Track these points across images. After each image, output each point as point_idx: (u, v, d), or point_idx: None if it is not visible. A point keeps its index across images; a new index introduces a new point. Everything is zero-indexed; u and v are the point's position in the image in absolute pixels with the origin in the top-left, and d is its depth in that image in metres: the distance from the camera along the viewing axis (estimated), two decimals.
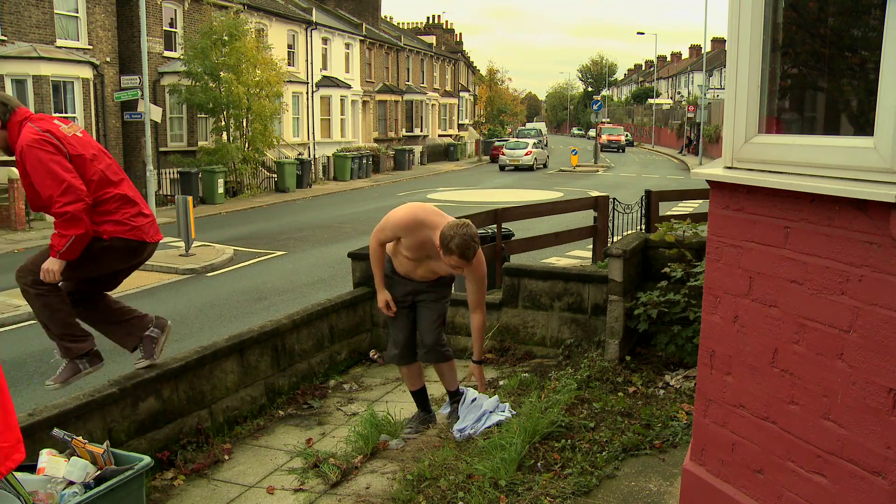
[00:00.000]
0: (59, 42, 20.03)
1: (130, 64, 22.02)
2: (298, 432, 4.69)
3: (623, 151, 52.67)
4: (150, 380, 4.17)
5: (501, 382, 5.23)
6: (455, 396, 4.57)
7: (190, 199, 13.34)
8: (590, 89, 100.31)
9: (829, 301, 2.18)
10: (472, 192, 25.20)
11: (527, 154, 35.21)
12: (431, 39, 50.83)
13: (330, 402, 5.27)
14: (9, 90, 18.52)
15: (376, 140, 38.25)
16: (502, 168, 35.48)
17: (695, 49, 74.10)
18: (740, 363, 2.55)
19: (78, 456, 3.04)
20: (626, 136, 58.10)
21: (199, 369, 4.54)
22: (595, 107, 49.06)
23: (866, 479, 2.08)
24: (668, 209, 14.25)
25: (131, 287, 11.54)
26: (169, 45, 24.12)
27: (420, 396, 4.65)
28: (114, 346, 8.19)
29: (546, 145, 54.58)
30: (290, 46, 30.91)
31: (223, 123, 23.82)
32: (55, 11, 19.91)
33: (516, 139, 42.18)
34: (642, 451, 3.84)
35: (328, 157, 31.37)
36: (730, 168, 2.52)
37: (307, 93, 31.76)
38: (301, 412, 5.05)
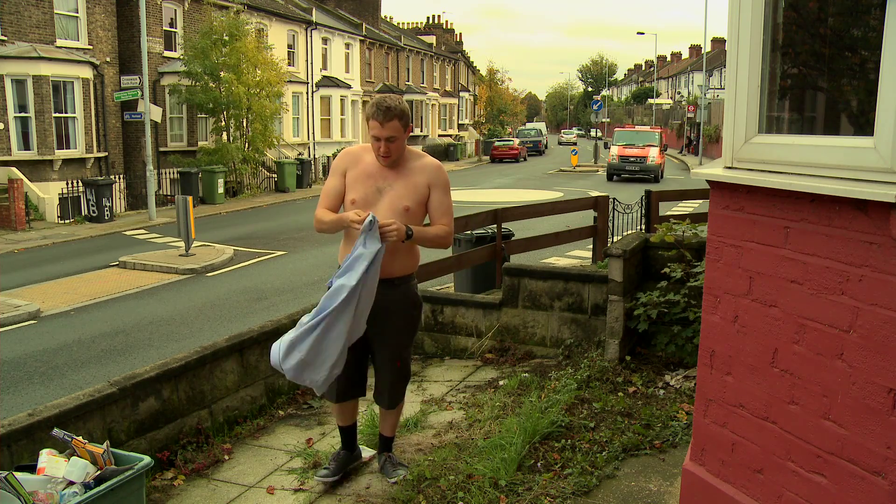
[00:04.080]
0: (59, 42, 20.03)
1: (130, 64, 22.02)
2: (298, 432, 4.69)
3: (657, 180, 27.47)
4: (150, 380, 4.17)
5: (501, 382, 5.23)
6: (387, 445, 3.91)
7: (190, 199, 13.35)
8: (590, 89, 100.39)
9: (829, 301, 2.18)
10: (472, 192, 25.19)
11: (574, 137, 56.63)
12: (431, 39, 50.86)
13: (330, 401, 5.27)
14: (9, 90, 18.56)
15: None
16: (560, 143, 51.86)
17: (695, 49, 74.13)
18: (740, 363, 2.55)
19: (78, 456, 3.04)
20: (662, 144, 31.03)
21: (199, 369, 4.54)
22: (595, 107, 49.10)
23: (866, 479, 2.08)
24: (668, 209, 14.26)
25: (132, 287, 11.56)
26: (169, 45, 24.12)
27: (350, 434, 3.89)
28: (113, 346, 8.22)
29: (546, 146, 54.51)
30: (290, 46, 30.92)
31: (223, 123, 23.82)
32: (55, 11, 19.92)
33: (567, 129, 68.74)
34: (642, 451, 3.84)
35: (328, 156, 31.35)
36: (730, 168, 2.52)
37: (307, 93, 31.77)
38: (301, 412, 5.05)
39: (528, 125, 65.93)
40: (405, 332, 3.65)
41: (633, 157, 28.34)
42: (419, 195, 3.47)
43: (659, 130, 31.80)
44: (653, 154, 28.23)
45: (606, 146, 31.97)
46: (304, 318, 3.34)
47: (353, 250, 3.30)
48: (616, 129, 35.76)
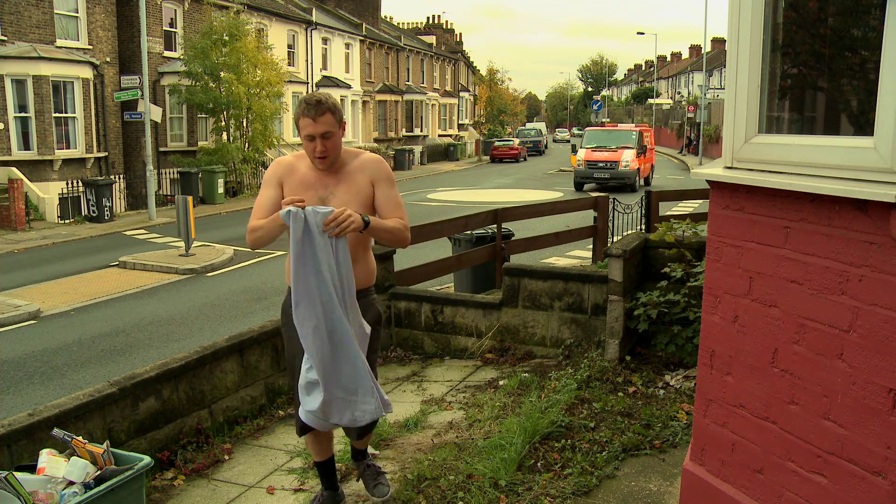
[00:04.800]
0: (59, 42, 20.03)
1: (130, 64, 22.02)
2: None
3: (634, 189, 23.12)
4: (150, 380, 4.17)
5: (501, 382, 5.23)
6: (362, 454, 3.63)
7: (190, 199, 13.34)
8: (590, 89, 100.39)
9: (829, 301, 2.18)
10: (472, 192, 25.20)
11: (567, 135, 51.49)
12: (431, 39, 50.86)
13: None
14: (9, 90, 18.55)
15: (376, 140, 38.27)
16: (554, 141, 49.50)
17: (695, 49, 74.15)
18: (740, 363, 2.55)
19: (78, 456, 3.04)
20: (641, 145, 25.63)
21: (199, 369, 4.54)
22: (595, 107, 49.00)
23: (866, 479, 2.08)
24: (668, 209, 14.25)
25: (132, 287, 11.56)
26: (169, 45, 24.12)
27: (328, 470, 3.53)
28: (113, 346, 8.21)
29: (546, 146, 54.52)
30: (290, 46, 30.92)
31: (223, 123, 23.82)
32: (55, 11, 19.91)
33: (561, 128, 70.07)
34: (642, 451, 3.84)
35: None
36: (730, 168, 2.52)
37: (307, 93, 31.74)
38: None
39: (528, 125, 65.95)
40: (370, 351, 3.22)
41: (602, 161, 24.29)
42: (364, 196, 3.15)
43: (637, 129, 26.84)
44: (626, 158, 24.12)
45: (574, 149, 28.09)
46: (304, 376, 3.08)
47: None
48: (587, 128, 30.99)
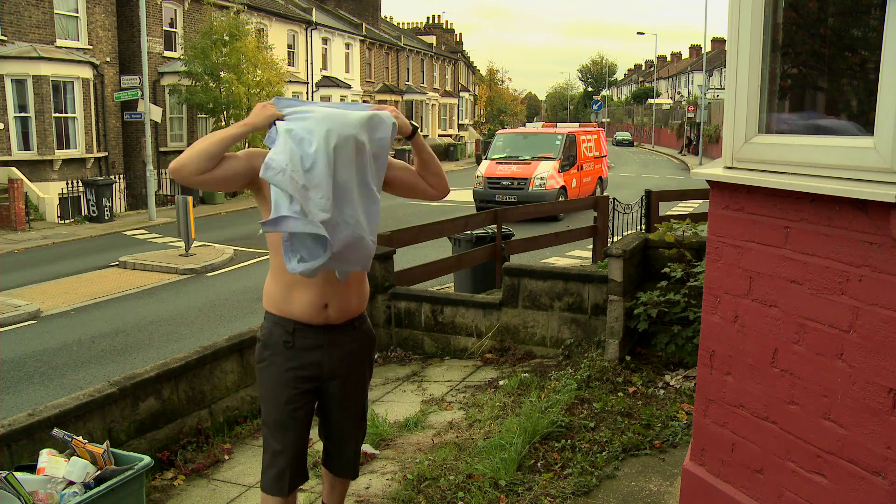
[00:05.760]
0: (59, 42, 20.03)
1: (130, 64, 22.02)
2: None
3: (557, 217, 13.98)
4: (150, 380, 4.17)
5: (501, 382, 5.23)
6: None
7: (190, 199, 13.36)
8: (590, 89, 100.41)
9: (829, 301, 2.18)
10: None
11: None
12: (431, 39, 50.88)
13: None
14: (9, 90, 18.55)
15: None
16: None
17: (695, 49, 74.18)
18: (740, 363, 2.55)
19: (78, 456, 3.04)
20: (569, 155, 18.34)
21: (199, 369, 4.54)
22: (595, 107, 49.04)
23: (866, 479, 2.08)
24: (668, 209, 14.25)
25: (132, 287, 11.56)
26: (169, 45, 24.12)
27: None
28: (113, 346, 8.21)
29: None
30: (290, 46, 30.92)
31: (223, 123, 23.80)
32: (55, 11, 19.91)
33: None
34: (642, 451, 3.84)
35: None
36: (730, 168, 2.52)
37: (307, 93, 31.76)
38: None
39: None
40: (368, 380, 2.89)
41: (507, 179, 17.49)
42: None
43: (567, 132, 19.03)
44: (541, 174, 17.19)
45: (478, 160, 21.12)
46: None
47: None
48: (499, 132, 23.20)
